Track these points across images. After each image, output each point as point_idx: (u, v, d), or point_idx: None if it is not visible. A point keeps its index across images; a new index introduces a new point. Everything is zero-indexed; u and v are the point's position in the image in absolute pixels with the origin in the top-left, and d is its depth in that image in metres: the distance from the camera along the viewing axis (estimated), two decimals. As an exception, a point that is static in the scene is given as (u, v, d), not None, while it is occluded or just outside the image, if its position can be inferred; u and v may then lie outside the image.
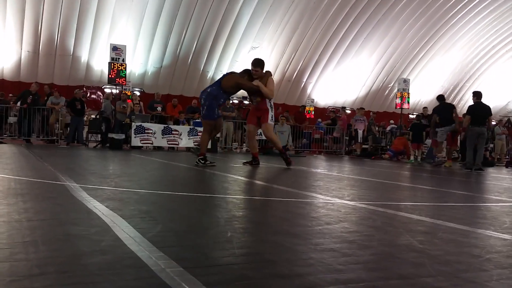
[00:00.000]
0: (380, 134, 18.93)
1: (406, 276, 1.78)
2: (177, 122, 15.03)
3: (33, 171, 5.56)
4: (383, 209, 3.53)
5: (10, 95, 17.72)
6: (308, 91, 28.76)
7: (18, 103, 14.31)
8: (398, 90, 19.52)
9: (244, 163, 8.23)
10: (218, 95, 7.72)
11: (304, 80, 28.31)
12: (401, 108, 18.99)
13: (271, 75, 8.37)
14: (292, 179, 6.20)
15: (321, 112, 27.64)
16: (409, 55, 29.64)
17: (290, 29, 25.58)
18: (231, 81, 7.81)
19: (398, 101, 19.26)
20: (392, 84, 30.25)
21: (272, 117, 8.23)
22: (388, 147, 17.12)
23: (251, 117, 8.45)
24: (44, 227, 2.40)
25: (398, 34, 27.99)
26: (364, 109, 18.70)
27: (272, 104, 8.35)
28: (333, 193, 4.44)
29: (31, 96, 13.91)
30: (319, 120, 23.17)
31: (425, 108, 17.84)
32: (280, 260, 1.90)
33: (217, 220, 2.79)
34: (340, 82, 29.05)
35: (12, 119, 16.15)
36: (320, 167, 9.45)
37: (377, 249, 2.21)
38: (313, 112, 26.44)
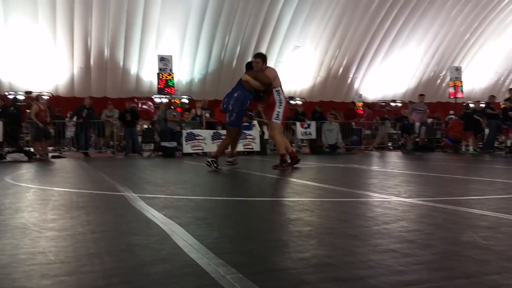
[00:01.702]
0: (434, 125, 18.27)
1: (471, 274, 1.71)
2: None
3: (92, 184, 5.79)
4: (443, 205, 3.41)
5: (69, 114, 18.52)
6: (356, 86, 28.30)
7: (74, 118, 14.94)
8: (450, 79, 18.83)
9: (274, 167, 7.48)
10: (245, 98, 7.43)
11: (351, 76, 27.89)
12: (455, 98, 18.29)
13: (272, 69, 7.81)
14: (345, 178, 6.12)
15: (370, 107, 27.06)
16: (459, 42, 28.57)
17: (333, 24, 25.30)
18: (244, 81, 7.51)
19: (451, 90, 18.57)
20: (443, 73, 29.26)
21: (277, 114, 7.43)
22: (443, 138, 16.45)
23: (268, 117, 7.88)
24: (107, 239, 2.49)
25: (446, 21, 27.03)
26: (424, 96, 16.45)
27: (282, 98, 7.55)
28: (389, 190, 4.33)
29: (86, 110, 14.49)
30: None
31: (492, 96, 15.77)
32: (339, 263, 1.88)
33: (272, 224, 2.79)
34: (389, 74, 28.40)
35: (69, 134, 16.89)
36: (373, 164, 9.26)
37: (439, 247, 2.14)
38: (361, 107, 25.95)
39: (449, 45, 28.52)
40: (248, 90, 7.40)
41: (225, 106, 7.48)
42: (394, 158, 11.17)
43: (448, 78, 21.96)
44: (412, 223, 2.74)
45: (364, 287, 1.58)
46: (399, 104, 27.22)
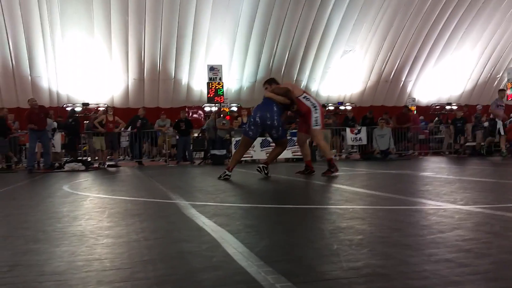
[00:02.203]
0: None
1: (534, 287, 1.62)
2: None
3: (146, 192, 5.96)
4: (502, 212, 3.25)
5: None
6: (408, 90, 27.58)
7: (129, 128, 15.49)
8: (508, 81, 17.98)
9: (296, 173, 7.72)
10: (280, 111, 7.36)
11: (403, 79, 27.22)
12: (514, 100, 17.45)
13: (286, 82, 7.85)
14: (397, 185, 5.96)
15: (424, 110, 26.31)
16: (517, 43, 27.29)
17: (384, 27, 24.84)
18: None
19: (509, 92, 17.72)
20: (500, 75, 27.99)
21: (316, 120, 7.31)
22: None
23: (301, 125, 7.82)
24: (160, 246, 2.55)
25: (503, 21, 25.89)
26: (505, 90, 15.45)
27: (315, 102, 7.43)
28: (444, 197, 4.18)
29: (139, 121, 14.98)
30: (421, 118, 22.02)
31: None
32: (393, 273, 1.83)
33: (322, 232, 2.76)
34: (443, 77, 27.50)
35: (124, 144, 17.52)
36: (427, 169, 8.96)
37: (496, 257, 2.04)
38: (415, 111, 25.19)
39: (506, 46, 27.30)
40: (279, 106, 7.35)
41: (269, 122, 7.21)
42: (450, 163, 10.78)
43: (505, 80, 20.97)
44: (468, 232, 2.63)
45: (418, 299, 1.54)
46: (455, 107, 26.26)
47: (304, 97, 7.42)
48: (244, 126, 15.11)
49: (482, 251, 2.14)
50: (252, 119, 7.40)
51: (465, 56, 27.11)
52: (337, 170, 7.30)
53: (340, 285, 1.71)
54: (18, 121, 15.88)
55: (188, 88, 24.07)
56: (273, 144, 8.49)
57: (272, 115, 7.17)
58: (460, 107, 23.28)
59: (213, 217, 3.38)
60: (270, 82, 7.84)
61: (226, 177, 7.03)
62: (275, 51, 24.17)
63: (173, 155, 15.85)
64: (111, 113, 13.54)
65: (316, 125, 7.34)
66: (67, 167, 11.71)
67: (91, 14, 20.88)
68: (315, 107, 7.34)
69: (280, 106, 7.30)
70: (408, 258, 2.05)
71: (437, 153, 17.03)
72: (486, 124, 16.82)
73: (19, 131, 14.93)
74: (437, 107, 27.19)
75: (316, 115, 7.30)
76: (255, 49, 23.75)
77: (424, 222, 3.01)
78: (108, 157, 14.18)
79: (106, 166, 13.62)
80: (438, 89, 27.94)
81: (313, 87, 25.73)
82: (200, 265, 2.06)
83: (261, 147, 14.09)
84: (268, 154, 8.19)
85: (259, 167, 7.51)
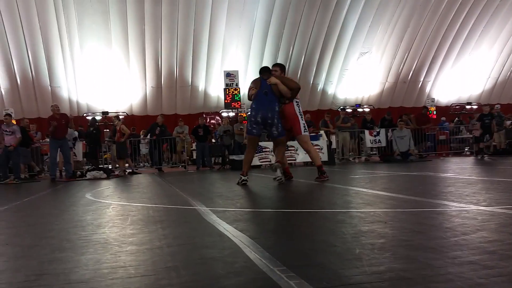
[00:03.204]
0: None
1: None
2: (292, 138, 15.17)
3: (167, 198, 6.02)
4: (527, 213, 3.20)
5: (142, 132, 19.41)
6: (427, 90, 27.27)
7: (148, 135, 15.66)
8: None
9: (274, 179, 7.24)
10: (278, 106, 7.18)
11: (421, 80, 26.93)
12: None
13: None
14: (419, 187, 5.90)
15: (443, 110, 26.00)
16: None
17: (401, 28, 24.65)
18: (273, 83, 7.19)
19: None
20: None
21: (304, 126, 7.37)
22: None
23: (295, 130, 7.49)
24: (182, 252, 2.58)
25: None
26: None
27: (301, 110, 7.45)
28: (467, 199, 4.13)
29: (158, 128, 15.12)
30: (443, 119, 21.76)
31: None
32: (416, 276, 1.82)
33: (343, 236, 2.75)
34: (462, 77, 27.15)
35: (144, 151, 17.72)
36: (449, 170, 8.85)
37: (523, 259, 2.01)
38: (434, 111, 24.90)
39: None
40: (276, 95, 7.13)
41: (270, 121, 7.02)
42: (471, 164, 10.62)
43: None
44: (492, 233, 2.59)
45: (443, 302, 1.52)
46: (475, 107, 25.89)
47: (297, 103, 7.40)
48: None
49: (506, 253, 2.11)
50: (253, 119, 7.19)
51: (484, 55, 26.74)
52: (327, 177, 7.16)
53: (364, 290, 1.71)
54: (40, 131, 16.18)
55: (205, 94, 24.21)
56: (266, 150, 8.22)
57: (273, 115, 7.05)
58: (480, 106, 22.91)
59: (233, 222, 3.39)
60: (282, 68, 7.67)
61: (244, 182, 6.99)
62: (291, 55, 24.16)
63: (193, 161, 15.95)
64: (117, 122, 13.66)
65: (305, 132, 7.42)
66: (89, 175, 11.88)
67: (108, 24, 21.21)
68: (301, 115, 7.40)
69: (278, 98, 7.13)
70: (431, 261, 2.03)
71: (458, 153, 16.79)
72: (509, 122, 16.53)
73: (41, 140, 15.20)
74: (457, 107, 26.84)
75: (303, 122, 7.39)
76: (270, 54, 23.78)
77: (447, 224, 2.97)
78: (127, 164, 14.34)
79: (127, 173, 13.77)
80: (457, 89, 27.59)
81: (330, 90, 25.64)
82: (223, 271, 2.08)
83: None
84: (274, 155, 8.02)
85: (272, 165, 7.37)
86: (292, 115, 7.31)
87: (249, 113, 8.15)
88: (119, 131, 13.49)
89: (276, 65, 7.74)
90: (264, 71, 7.46)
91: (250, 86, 7.52)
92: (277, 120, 7.09)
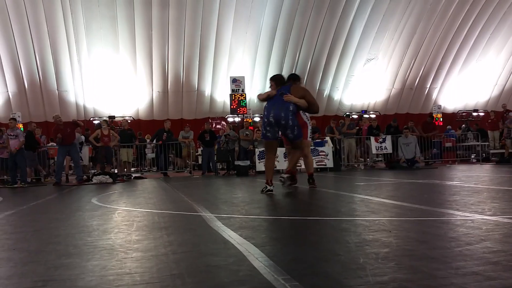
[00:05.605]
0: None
1: None
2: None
3: (172, 204, 6.04)
4: (533, 223, 3.19)
5: (147, 136, 19.48)
6: (433, 97, 27.21)
7: (154, 141, 15.73)
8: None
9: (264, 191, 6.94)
10: (295, 109, 6.96)
11: (428, 86, 26.88)
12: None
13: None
14: (424, 195, 5.89)
15: (450, 118, 25.91)
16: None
17: (407, 34, 24.64)
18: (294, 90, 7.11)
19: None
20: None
21: (309, 132, 7.46)
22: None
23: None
24: (187, 259, 2.59)
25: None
26: None
27: (308, 116, 7.42)
28: (472, 208, 4.12)
29: (165, 133, 15.18)
30: (449, 127, 21.67)
31: None
32: (419, 287, 1.83)
33: (348, 245, 2.76)
34: (469, 83, 27.08)
35: (150, 155, 17.79)
36: (455, 178, 8.81)
37: (528, 271, 2.01)
38: (441, 118, 24.80)
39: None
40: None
41: (283, 122, 6.75)
42: (478, 172, 10.57)
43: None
44: (497, 244, 2.59)
45: (445, 314, 1.53)
46: (482, 114, 25.78)
47: (303, 112, 7.35)
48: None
49: (510, 264, 2.11)
50: (266, 119, 6.92)
51: (491, 62, 26.66)
52: (316, 186, 7.19)
53: (367, 300, 1.72)
54: (46, 135, 16.28)
55: (211, 99, 24.29)
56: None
57: (287, 114, 6.72)
58: (487, 113, 22.77)
59: (238, 230, 3.41)
60: (299, 79, 7.56)
61: (269, 191, 6.57)
62: (297, 61, 24.20)
63: (198, 166, 15.97)
64: (105, 127, 13.66)
65: (309, 138, 7.58)
66: (95, 179, 11.93)
67: (116, 29, 21.36)
68: (308, 120, 7.48)
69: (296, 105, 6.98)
70: (435, 272, 2.04)
71: (464, 161, 16.71)
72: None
73: (48, 144, 15.29)
74: (464, 113, 26.73)
75: (310, 128, 7.53)
76: (277, 59, 23.84)
77: (451, 234, 2.98)
78: (133, 169, 14.37)
79: (132, 178, 13.82)
80: (464, 96, 27.51)
81: (336, 96, 25.64)
82: (227, 279, 2.09)
83: (284, 158, 13.96)
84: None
85: (282, 177, 7.26)
86: (302, 124, 7.26)
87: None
88: (108, 135, 13.43)
89: (291, 78, 7.48)
90: (291, 78, 7.43)
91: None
92: (292, 121, 6.78)
